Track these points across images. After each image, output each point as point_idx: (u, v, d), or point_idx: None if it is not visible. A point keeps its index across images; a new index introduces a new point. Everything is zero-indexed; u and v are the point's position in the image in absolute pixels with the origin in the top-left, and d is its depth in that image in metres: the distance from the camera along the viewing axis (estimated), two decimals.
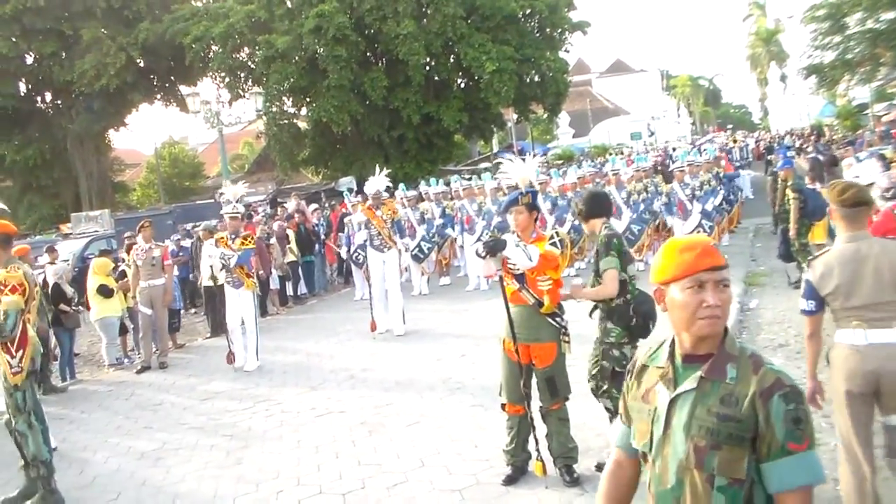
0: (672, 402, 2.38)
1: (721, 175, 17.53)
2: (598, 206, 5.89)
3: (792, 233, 12.21)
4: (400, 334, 11.87)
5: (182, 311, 15.21)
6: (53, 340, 11.94)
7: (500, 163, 11.41)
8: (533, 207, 5.83)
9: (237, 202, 11.78)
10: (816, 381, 4.55)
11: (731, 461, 2.26)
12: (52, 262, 13.41)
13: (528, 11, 32.36)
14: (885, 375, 4.18)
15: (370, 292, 14.10)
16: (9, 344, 6.45)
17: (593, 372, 5.85)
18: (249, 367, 11.02)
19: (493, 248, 5.48)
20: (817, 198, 11.12)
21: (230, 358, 11.11)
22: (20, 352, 6.52)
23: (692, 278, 2.34)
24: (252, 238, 11.78)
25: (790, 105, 70.05)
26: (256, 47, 30.29)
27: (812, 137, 40.11)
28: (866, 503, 4.29)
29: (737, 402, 2.27)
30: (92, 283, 12.39)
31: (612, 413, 5.68)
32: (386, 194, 12.61)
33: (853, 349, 4.26)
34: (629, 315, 5.56)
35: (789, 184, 12.81)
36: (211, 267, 11.91)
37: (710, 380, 2.33)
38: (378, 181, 12.26)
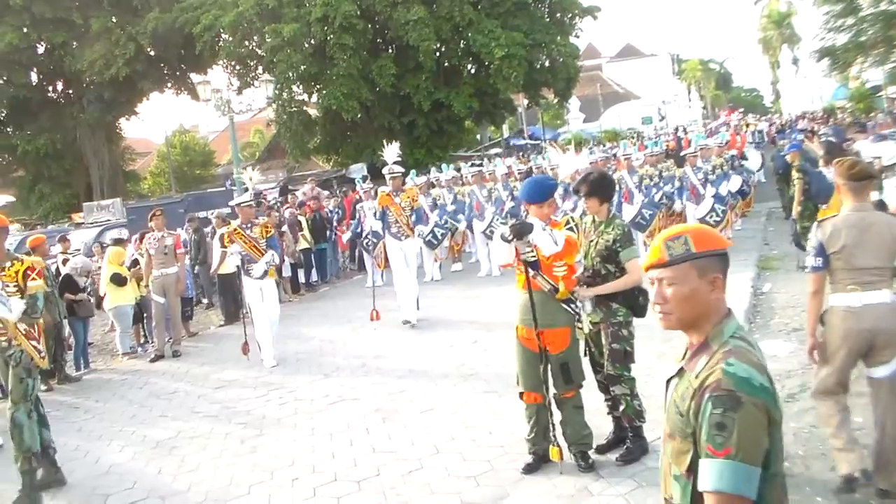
0: (666, 386, 2.48)
1: (735, 160, 17.44)
2: (609, 187, 5.86)
3: (794, 213, 12.22)
4: (411, 322, 11.62)
5: (195, 299, 15.21)
6: (67, 330, 11.97)
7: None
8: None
9: (244, 190, 11.83)
10: (815, 338, 4.99)
11: (679, 453, 2.30)
12: (63, 252, 13.45)
13: None
14: (879, 333, 4.68)
15: (373, 279, 14.13)
16: (33, 329, 6.60)
17: (601, 360, 5.82)
18: (269, 364, 10.53)
19: (521, 231, 5.45)
20: (822, 180, 11.17)
21: (245, 348, 10.50)
22: (41, 337, 6.80)
23: (648, 275, 2.47)
24: (270, 227, 11.19)
25: (802, 88, 69.64)
26: (266, 35, 30.27)
27: (823, 120, 39.89)
28: (847, 420, 4.94)
29: (688, 396, 2.28)
30: (105, 271, 12.42)
31: (630, 396, 5.69)
32: (400, 169, 12.11)
33: (849, 310, 4.75)
34: (635, 294, 5.55)
35: (795, 165, 12.80)
36: (222, 240, 11.24)
37: (685, 370, 2.38)
38: (391, 154, 11.87)
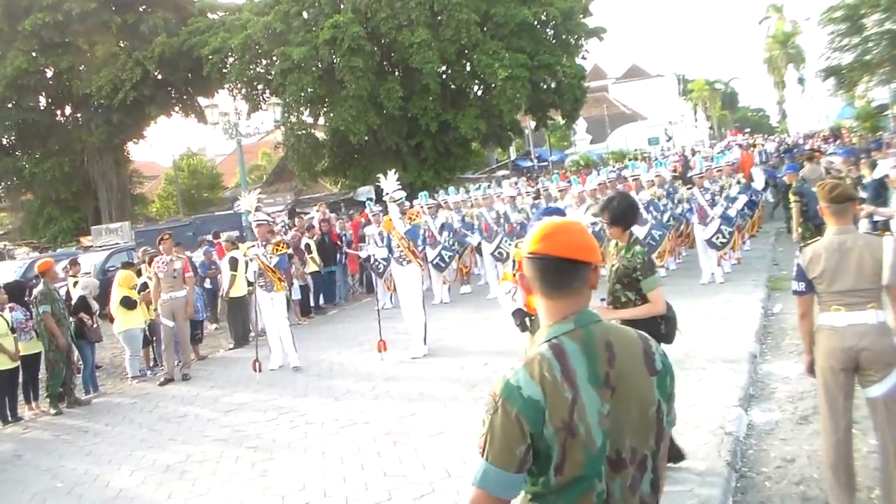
0: None
1: (742, 181, 17.41)
2: (633, 215, 5.85)
3: (795, 236, 12.24)
4: (417, 356, 11.23)
5: (205, 322, 15.20)
6: (76, 353, 12.01)
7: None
8: None
9: (256, 210, 12.22)
10: (811, 355, 5.10)
11: None
12: (72, 276, 13.49)
13: (542, 18, 32.40)
14: (861, 352, 4.78)
15: (381, 303, 14.11)
16: None
17: None
18: (295, 363, 11.63)
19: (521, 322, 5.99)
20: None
21: (256, 366, 11.24)
22: None
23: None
24: (285, 244, 12.47)
25: (808, 107, 69.72)
26: (273, 58, 30.45)
27: (830, 139, 39.89)
28: (840, 460, 4.92)
29: None
30: (115, 295, 12.43)
31: None
32: (402, 194, 11.95)
33: (833, 330, 4.88)
34: (657, 322, 5.47)
35: (792, 188, 12.84)
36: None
37: None
38: (390, 184, 11.90)
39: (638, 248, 5.65)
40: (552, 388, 2.21)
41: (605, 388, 2.24)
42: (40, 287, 11.09)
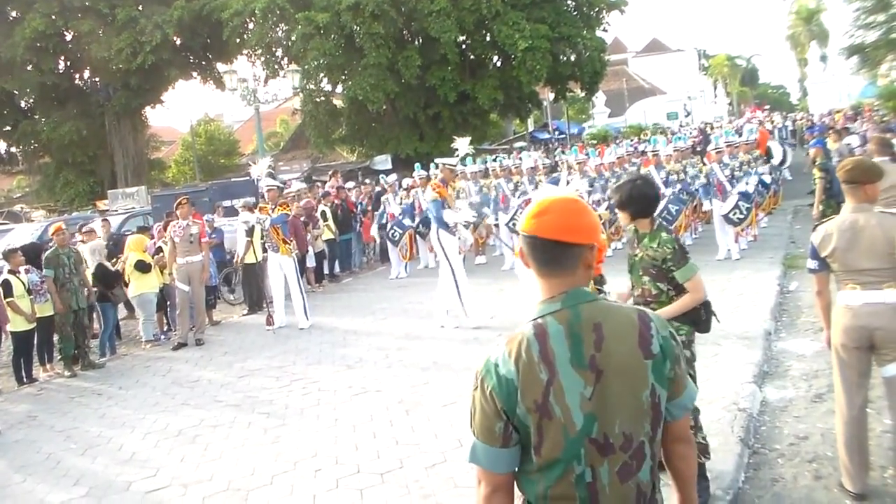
0: None
1: (759, 156, 17.26)
2: (644, 202, 5.06)
3: (815, 213, 12.11)
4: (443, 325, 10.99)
5: (218, 288, 15.25)
6: (96, 315, 12.12)
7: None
8: None
9: (268, 175, 12.72)
10: (830, 330, 5.09)
11: None
12: (83, 242, 13.56)
13: None
14: (876, 330, 4.77)
15: (398, 271, 14.04)
16: None
17: None
18: (303, 325, 12.13)
19: None
20: None
21: (269, 320, 12.44)
22: None
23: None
24: (288, 205, 13.05)
25: (830, 86, 69.07)
26: (297, 23, 30.25)
27: (852, 118, 39.47)
28: (854, 438, 4.93)
29: None
30: (129, 259, 12.46)
31: (694, 428, 4.96)
32: (461, 165, 11.86)
33: (848, 308, 4.87)
34: (698, 310, 5.01)
35: (817, 163, 12.69)
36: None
37: None
38: (463, 145, 11.90)
39: (665, 235, 5.02)
40: (527, 367, 2.21)
41: (590, 370, 2.20)
42: (49, 251, 11.18)
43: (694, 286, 4.96)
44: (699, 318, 5.04)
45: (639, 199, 4.98)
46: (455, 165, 11.70)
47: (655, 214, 5.19)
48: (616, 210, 5.37)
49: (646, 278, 5.10)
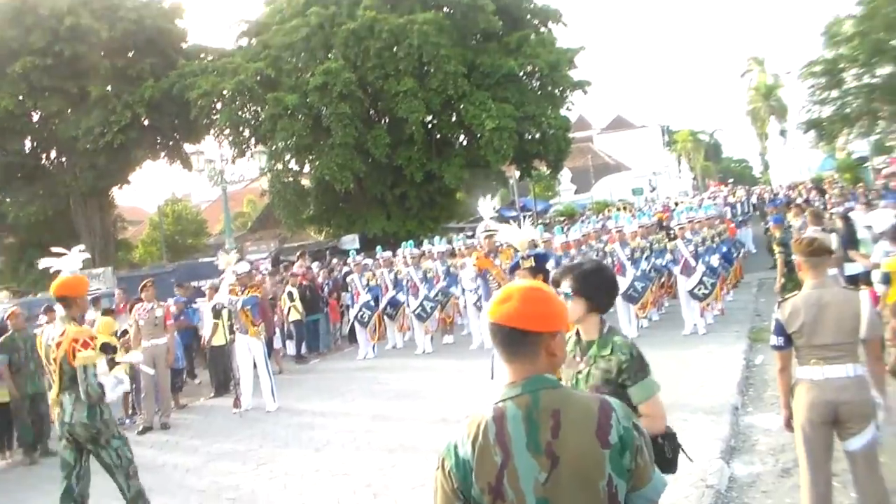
0: None
1: (723, 231, 17.51)
2: (603, 288, 4.05)
3: (777, 286, 12.32)
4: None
5: (185, 372, 15.10)
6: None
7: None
8: (538, 271, 5.71)
9: (237, 263, 12.92)
10: (790, 409, 5.17)
11: None
12: (49, 323, 13.36)
13: (528, 70, 32.73)
14: (841, 405, 4.82)
15: (366, 352, 14.00)
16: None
17: None
18: (270, 408, 12.00)
19: None
20: None
21: (236, 402, 12.30)
22: None
23: None
24: (258, 287, 13.15)
25: (790, 159, 70.45)
26: (265, 104, 30.62)
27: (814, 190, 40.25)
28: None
29: None
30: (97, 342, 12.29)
31: None
32: (496, 226, 11.12)
33: (812, 383, 4.91)
34: (659, 444, 3.73)
35: (776, 238, 12.98)
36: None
37: None
38: (487, 208, 11.62)
39: (618, 338, 3.91)
40: (483, 449, 2.26)
41: (546, 456, 2.25)
42: (4, 336, 11.07)
43: (651, 410, 3.78)
44: (662, 455, 3.74)
45: (596, 280, 3.99)
46: (495, 231, 10.96)
47: (622, 292, 4.95)
48: (571, 301, 3.95)
49: None
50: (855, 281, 10.96)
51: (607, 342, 3.88)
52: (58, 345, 6.42)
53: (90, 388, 6.26)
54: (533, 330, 2.35)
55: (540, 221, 34.20)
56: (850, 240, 12.43)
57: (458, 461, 2.29)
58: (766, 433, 8.09)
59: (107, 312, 14.17)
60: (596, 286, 3.95)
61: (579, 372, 3.92)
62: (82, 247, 7.50)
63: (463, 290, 16.31)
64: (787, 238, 13.18)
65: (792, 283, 11.84)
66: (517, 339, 2.37)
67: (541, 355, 2.37)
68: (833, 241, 11.15)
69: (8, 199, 37.02)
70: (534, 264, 5.68)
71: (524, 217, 28.58)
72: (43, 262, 7.48)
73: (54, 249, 7.15)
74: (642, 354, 3.86)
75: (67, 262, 6.93)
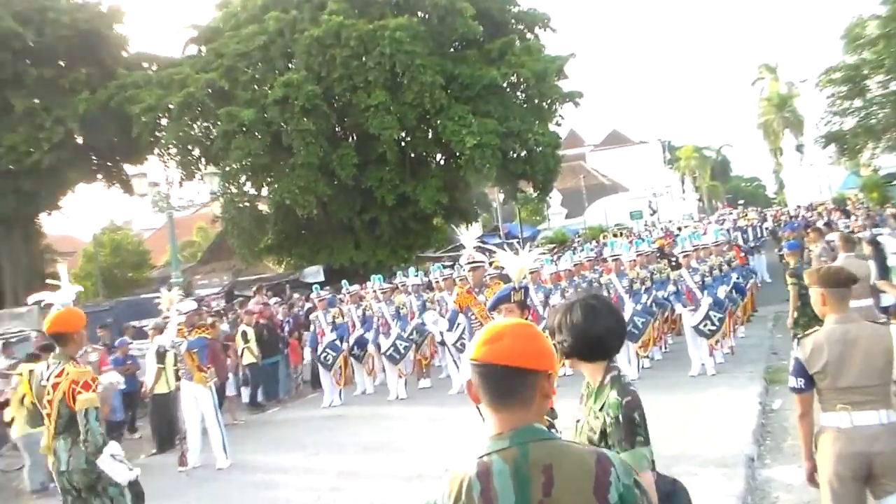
0: None
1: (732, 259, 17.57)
2: (598, 343, 3.69)
3: (789, 321, 12.33)
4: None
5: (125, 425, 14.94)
6: None
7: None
8: (524, 306, 5.74)
9: (181, 302, 12.76)
10: (813, 461, 5.04)
11: None
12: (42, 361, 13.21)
13: (512, 80, 32.86)
14: (875, 456, 4.68)
15: (331, 398, 13.87)
16: None
17: None
18: (221, 465, 11.80)
19: None
20: None
21: (183, 459, 12.04)
22: None
23: None
24: (207, 328, 13.05)
25: (808, 177, 70.93)
26: (217, 120, 30.49)
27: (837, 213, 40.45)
28: None
29: None
30: (17, 393, 12.13)
31: None
32: (482, 258, 11.31)
33: (839, 432, 4.77)
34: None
35: (790, 268, 12.98)
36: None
37: None
38: (470, 237, 11.29)
39: (614, 394, 3.60)
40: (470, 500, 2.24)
41: None
42: None
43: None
44: None
45: (610, 336, 3.70)
46: (482, 263, 11.28)
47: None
48: (563, 354, 3.75)
49: None
50: (885, 312, 10.99)
51: (602, 392, 3.67)
52: (54, 386, 6.30)
53: (91, 435, 6.15)
54: (530, 368, 2.34)
55: (529, 250, 34.16)
56: (880, 267, 12.47)
57: None
58: (787, 489, 8.05)
59: (33, 358, 13.97)
60: (595, 346, 3.68)
61: (578, 420, 3.83)
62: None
63: (441, 331, 16.18)
64: (801, 269, 13.24)
65: (805, 317, 11.87)
66: (513, 381, 2.34)
67: (535, 398, 2.36)
68: (871, 269, 11.28)
69: None
70: (522, 298, 5.67)
71: (521, 243, 28.59)
72: (32, 298, 7.63)
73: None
74: (634, 419, 3.54)
75: (58, 296, 6.85)
